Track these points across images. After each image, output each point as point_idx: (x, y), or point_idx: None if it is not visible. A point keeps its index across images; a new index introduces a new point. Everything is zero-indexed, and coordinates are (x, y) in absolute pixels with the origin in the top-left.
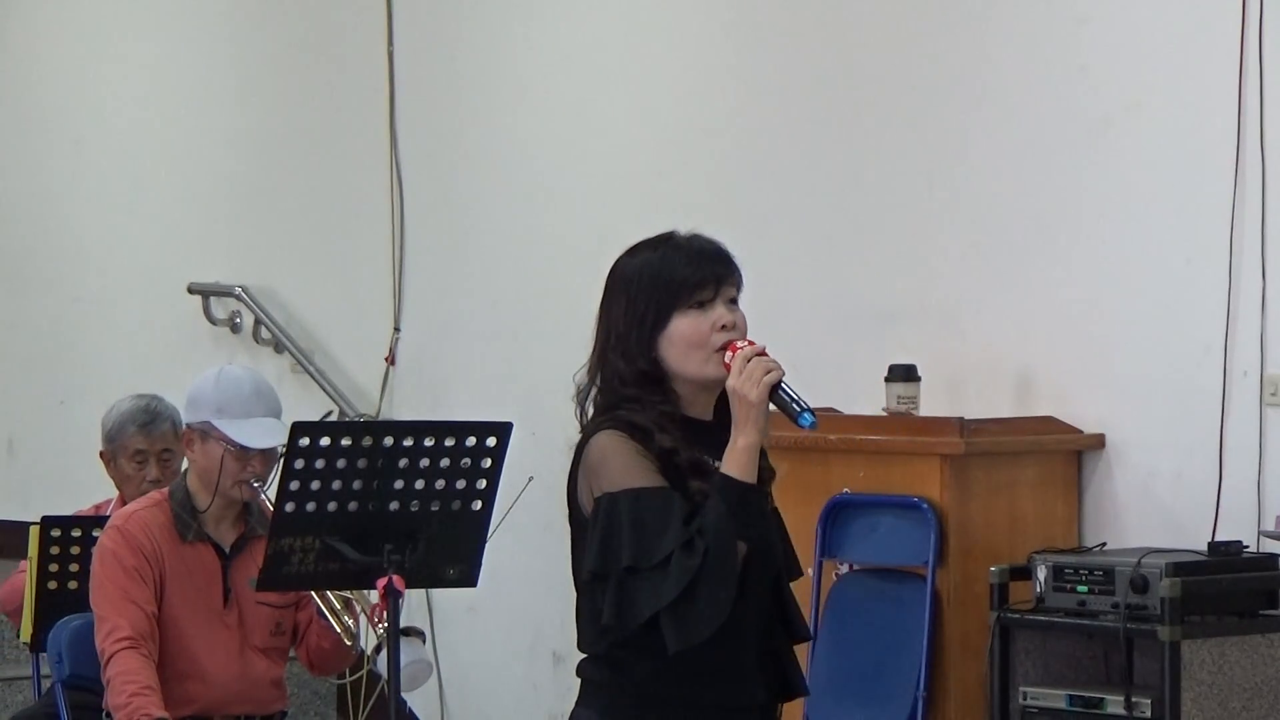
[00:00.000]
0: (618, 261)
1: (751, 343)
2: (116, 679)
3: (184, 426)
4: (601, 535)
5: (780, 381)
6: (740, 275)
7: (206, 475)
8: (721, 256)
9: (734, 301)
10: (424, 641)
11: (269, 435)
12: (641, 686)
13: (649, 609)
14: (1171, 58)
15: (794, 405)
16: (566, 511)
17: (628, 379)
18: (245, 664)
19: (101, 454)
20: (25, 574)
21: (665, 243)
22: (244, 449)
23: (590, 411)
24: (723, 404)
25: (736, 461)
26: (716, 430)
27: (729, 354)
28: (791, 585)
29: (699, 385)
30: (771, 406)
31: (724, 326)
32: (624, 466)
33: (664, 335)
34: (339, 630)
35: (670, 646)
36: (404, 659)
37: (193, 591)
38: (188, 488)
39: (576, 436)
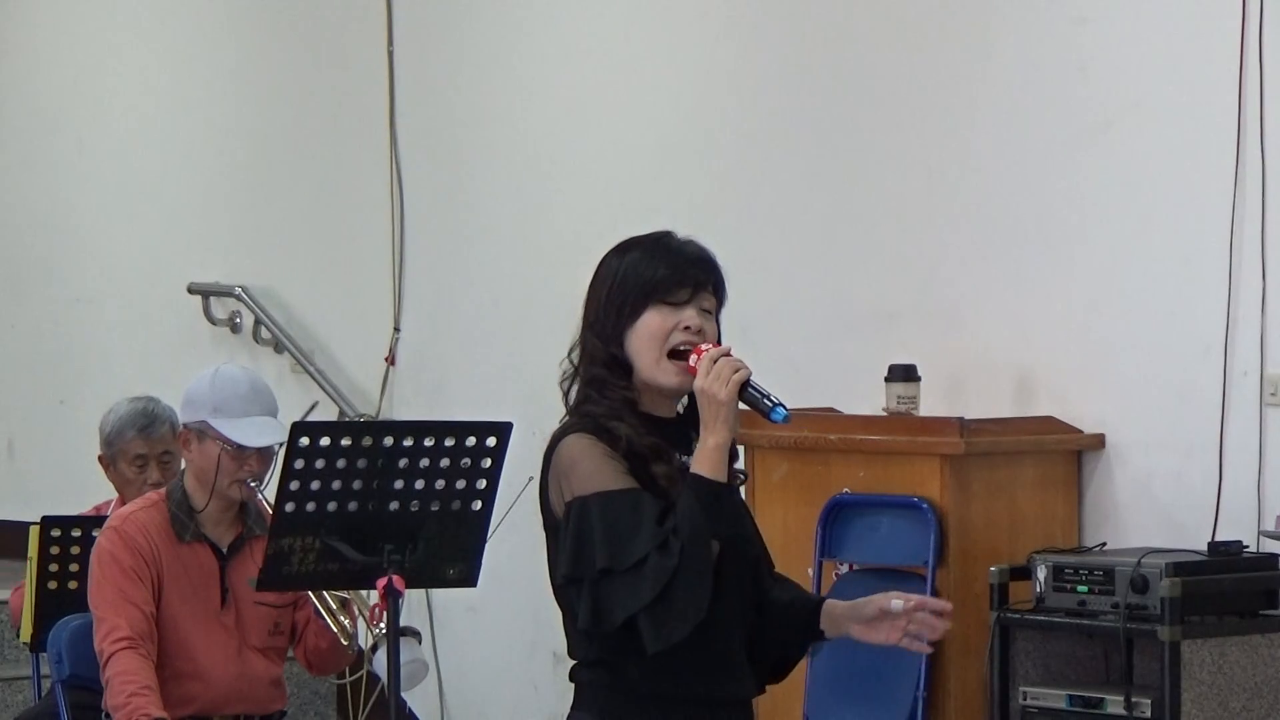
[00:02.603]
0: (609, 255)
1: (716, 344)
2: (115, 679)
3: (180, 426)
4: (574, 539)
5: (749, 379)
6: (723, 288)
7: (203, 475)
8: (706, 262)
9: (709, 313)
10: (420, 642)
11: (266, 434)
12: (635, 686)
13: (625, 611)
14: (1171, 58)
15: (765, 401)
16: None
17: (598, 360)
18: (243, 663)
19: (100, 458)
20: (23, 588)
21: (657, 242)
22: (241, 448)
23: (573, 397)
24: (688, 403)
25: (707, 460)
26: (678, 426)
27: (694, 357)
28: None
29: (652, 387)
30: (742, 406)
31: (687, 328)
32: (593, 469)
33: (633, 328)
34: (335, 630)
35: (649, 647)
36: (400, 659)
37: (190, 592)
38: (185, 488)
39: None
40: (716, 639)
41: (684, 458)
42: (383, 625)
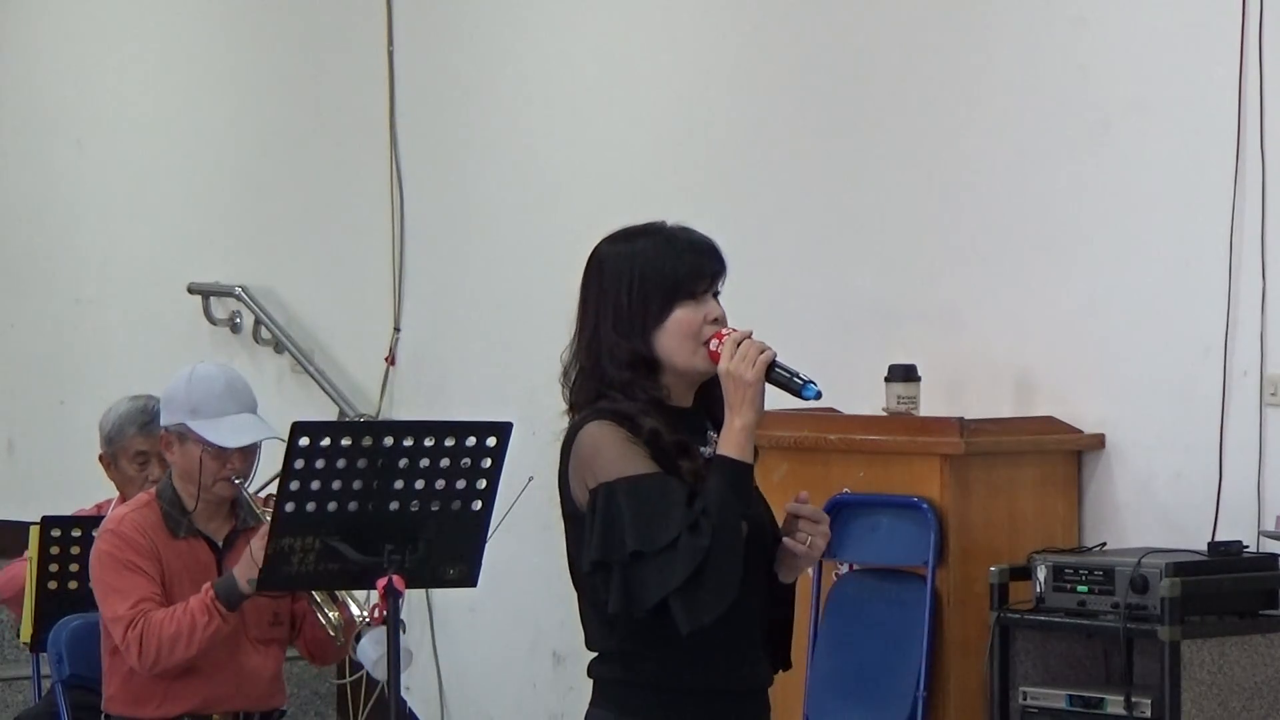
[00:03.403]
0: (604, 247)
1: (736, 329)
2: (164, 627)
3: (158, 431)
4: (602, 524)
5: (775, 359)
6: (727, 270)
7: (188, 476)
8: (716, 251)
9: (717, 295)
10: (405, 630)
11: (244, 433)
12: (654, 679)
13: (658, 593)
14: (1171, 58)
15: (795, 380)
16: (560, 507)
17: (622, 360)
18: (243, 658)
19: (101, 457)
20: (26, 562)
21: (660, 232)
22: (221, 449)
23: (575, 393)
24: (700, 393)
25: (734, 441)
26: (694, 417)
27: (715, 341)
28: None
29: (683, 376)
30: (769, 387)
31: (715, 320)
32: (617, 455)
33: (662, 326)
34: (324, 624)
35: (682, 628)
36: (382, 649)
37: (189, 587)
38: (174, 486)
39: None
40: (736, 626)
41: (704, 450)
42: (367, 614)
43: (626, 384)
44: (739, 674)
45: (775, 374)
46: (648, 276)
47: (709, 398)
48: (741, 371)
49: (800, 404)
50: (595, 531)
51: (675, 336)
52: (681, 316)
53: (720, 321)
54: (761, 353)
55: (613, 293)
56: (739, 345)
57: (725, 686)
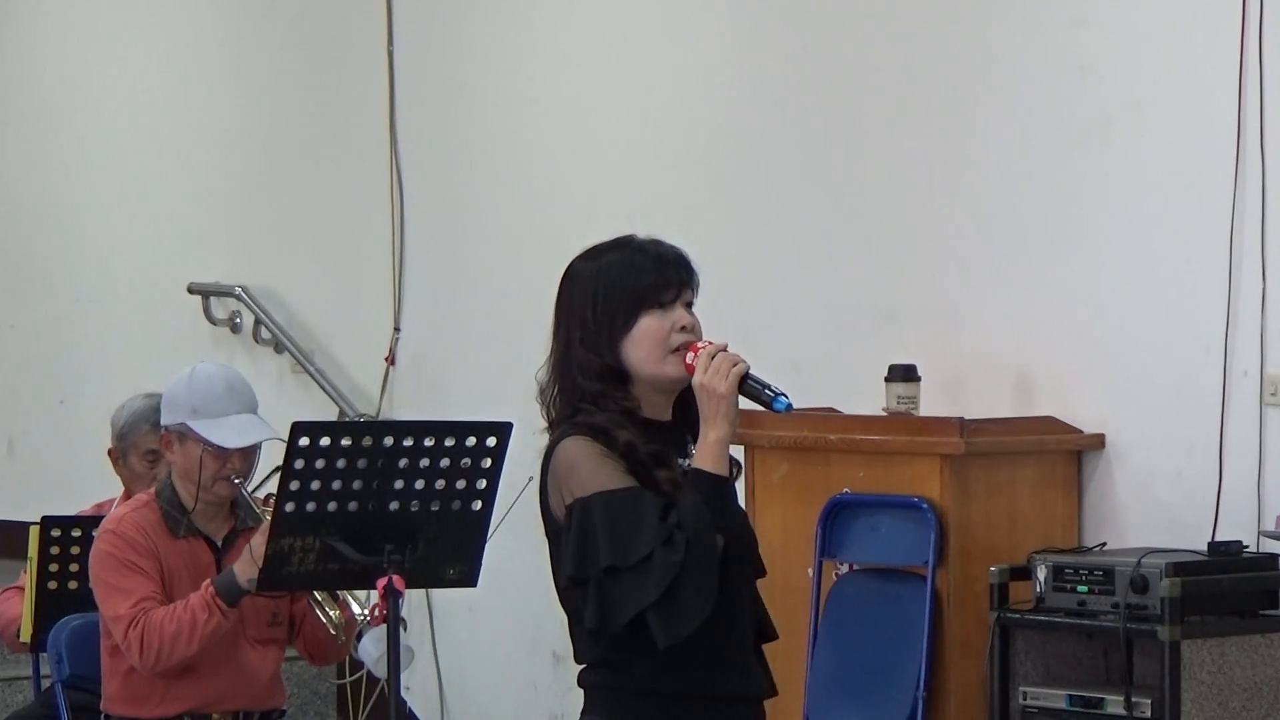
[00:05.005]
0: (576, 264)
1: (711, 342)
2: (165, 625)
3: (161, 429)
4: (577, 539)
5: (748, 372)
6: (698, 281)
7: (188, 475)
8: (684, 262)
9: (689, 306)
10: (406, 628)
11: (245, 433)
12: (645, 685)
13: (633, 608)
14: (1171, 58)
15: (766, 392)
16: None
17: (592, 373)
18: (242, 658)
19: (110, 452)
20: (22, 590)
21: (627, 245)
22: (221, 449)
23: (553, 411)
24: (680, 406)
25: (709, 455)
26: (673, 430)
27: (690, 354)
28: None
29: (655, 386)
30: (743, 400)
31: (683, 328)
32: (592, 470)
33: (629, 336)
34: (324, 622)
35: (659, 643)
36: (384, 647)
37: (188, 587)
38: (174, 485)
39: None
40: (724, 634)
41: (683, 462)
42: (368, 613)
43: (598, 395)
44: (728, 681)
45: (748, 386)
46: (613, 288)
47: (688, 411)
48: (715, 384)
49: (801, 404)
50: (571, 547)
51: (643, 346)
52: (647, 325)
53: (690, 330)
54: (734, 365)
55: (580, 308)
56: (713, 358)
57: (714, 693)
